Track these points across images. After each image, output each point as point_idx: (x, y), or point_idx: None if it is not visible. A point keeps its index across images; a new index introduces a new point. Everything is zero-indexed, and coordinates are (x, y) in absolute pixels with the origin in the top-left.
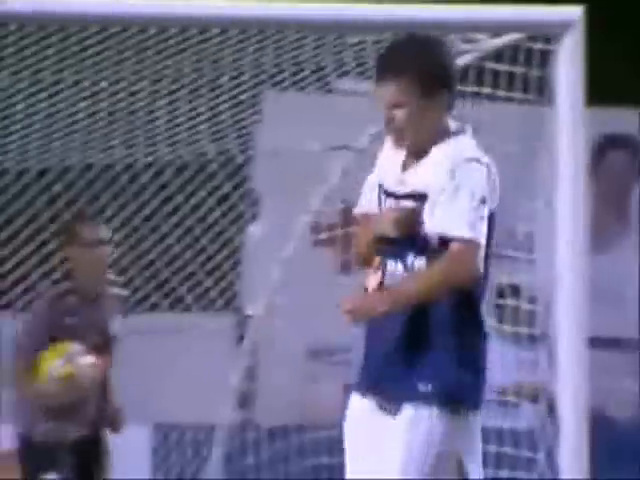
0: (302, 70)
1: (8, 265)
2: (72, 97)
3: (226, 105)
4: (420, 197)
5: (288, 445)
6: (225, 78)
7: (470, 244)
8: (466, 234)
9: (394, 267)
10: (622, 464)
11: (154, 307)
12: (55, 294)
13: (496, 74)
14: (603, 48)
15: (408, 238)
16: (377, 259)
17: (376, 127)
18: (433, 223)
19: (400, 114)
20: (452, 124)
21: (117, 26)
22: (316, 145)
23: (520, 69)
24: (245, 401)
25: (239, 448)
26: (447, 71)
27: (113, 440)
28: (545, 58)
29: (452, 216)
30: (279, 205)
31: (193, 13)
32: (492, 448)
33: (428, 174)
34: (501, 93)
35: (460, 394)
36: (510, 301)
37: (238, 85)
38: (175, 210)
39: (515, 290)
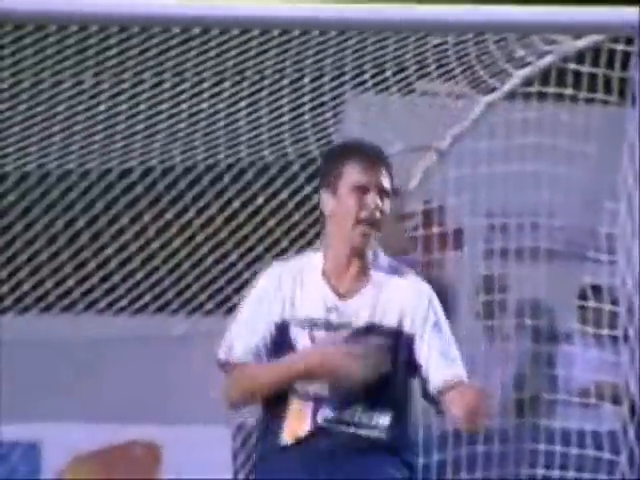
0: (384, 71)
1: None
2: (152, 98)
3: (307, 107)
4: (386, 332)
5: None
6: (306, 80)
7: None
8: (465, 377)
9: (328, 417)
10: None
11: (232, 309)
12: None
13: (578, 75)
14: None
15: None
16: (296, 404)
17: (458, 128)
18: (434, 367)
19: (387, 206)
20: None
21: (198, 27)
22: (397, 146)
23: (602, 70)
24: None
25: None
26: None
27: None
28: (627, 59)
29: (454, 356)
30: None
31: (274, 15)
32: (574, 450)
33: (399, 303)
34: (583, 94)
35: None
36: (592, 302)
37: (319, 87)
38: (256, 211)
39: (597, 291)
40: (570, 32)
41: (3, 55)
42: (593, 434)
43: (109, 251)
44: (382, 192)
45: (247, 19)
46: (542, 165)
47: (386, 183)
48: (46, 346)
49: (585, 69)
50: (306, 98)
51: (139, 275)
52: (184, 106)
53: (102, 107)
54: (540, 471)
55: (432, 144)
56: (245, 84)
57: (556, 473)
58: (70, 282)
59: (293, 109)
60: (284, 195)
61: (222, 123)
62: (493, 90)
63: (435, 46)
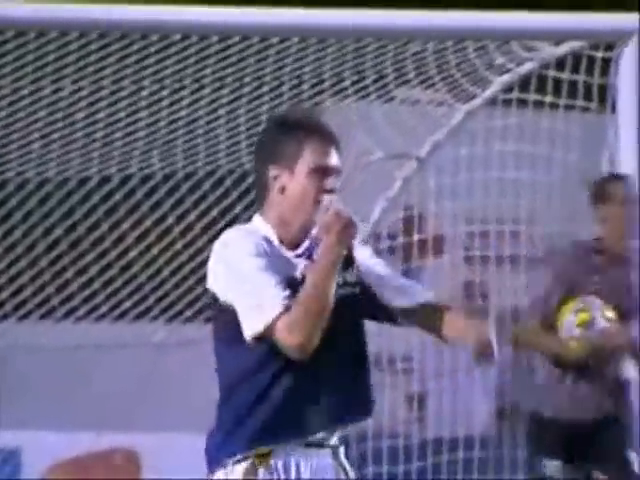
0: (363, 79)
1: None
2: (131, 106)
3: None
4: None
5: (349, 454)
6: (285, 87)
7: None
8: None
9: None
10: None
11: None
12: (582, 250)
13: (557, 82)
14: None
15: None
16: None
17: (438, 135)
18: (400, 289)
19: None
20: None
21: (178, 34)
22: (377, 154)
23: (581, 77)
24: None
25: None
26: None
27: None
28: (607, 66)
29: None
30: None
31: (253, 21)
32: None
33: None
34: (562, 101)
35: None
36: None
37: (299, 94)
38: (234, 219)
39: None
40: (550, 39)
41: None
42: None
43: (89, 258)
44: (337, 173)
45: (226, 26)
46: (522, 172)
47: (339, 163)
48: (25, 353)
49: (565, 76)
50: (285, 105)
51: (118, 282)
52: (163, 114)
53: (81, 115)
54: (521, 477)
55: (412, 151)
56: (224, 92)
57: None
58: (49, 289)
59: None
60: (239, 206)
61: (201, 131)
62: (473, 97)
63: (415, 53)
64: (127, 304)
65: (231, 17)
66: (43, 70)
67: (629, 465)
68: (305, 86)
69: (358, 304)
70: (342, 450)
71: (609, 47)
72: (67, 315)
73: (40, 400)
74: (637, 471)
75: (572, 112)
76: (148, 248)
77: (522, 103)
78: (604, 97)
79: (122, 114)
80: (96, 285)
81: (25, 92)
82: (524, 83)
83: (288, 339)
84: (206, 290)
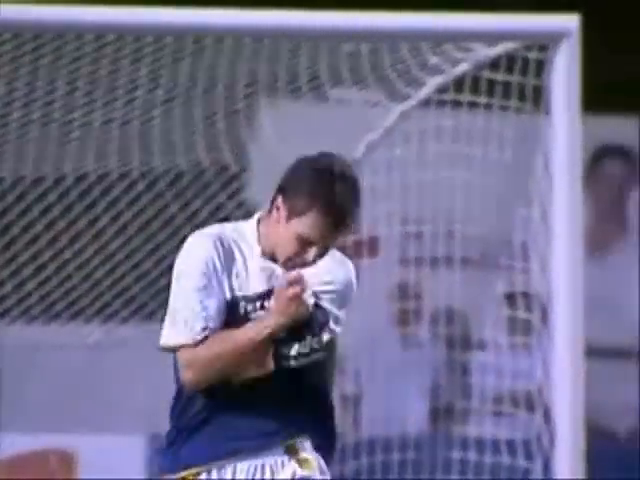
0: (297, 79)
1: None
2: (66, 106)
3: (221, 113)
4: None
5: None
6: (220, 86)
7: None
8: None
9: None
10: (619, 475)
11: (149, 316)
12: None
13: (492, 83)
14: (600, 56)
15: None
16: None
17: (372, 136)
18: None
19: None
20: None
21: (112, 34)
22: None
23: (516, 78)
24: None
25: None
26: None
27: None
28: (541, 67)
29: None
30: None
31: (188, 21)
32: (488, 458)
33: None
34: (497, 102)
35: None
36: (506, 310)
37: (233, 94)
38: (170, 219)
39: (511, 299)
40: (484, 40)
41: None
42: (507, 442)
43: (22, 259)
44: (324, 249)
45: (160, 26)
46: (456, 173)
47: (336, 239)
48: None
49: (499, 77)
50: (219, 105)
51: (53, 282)
52: (98, 113)
53: (16, 115)
54: (455, 478)
55: (346, 152)
56: (159, 91)
57: None
58: None
59: (206, 116)
60: (198, 203)
61: (135, 131)
62: (407, 98)
63: (349, 54)
64: (62, 305)
65: (166, 17)
66: None
67: None
68: (239, 86)
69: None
70: (304, 444)
71: (543, 48)
72: (1, 316)
73: None
74: None
75: (506, 113)
76: (82, 249)
77: (456, 104)
78: (538, 98)
79: (56, 114)
80: (30, 286)
81: None
82: (458, 84)
83: (184, 370)
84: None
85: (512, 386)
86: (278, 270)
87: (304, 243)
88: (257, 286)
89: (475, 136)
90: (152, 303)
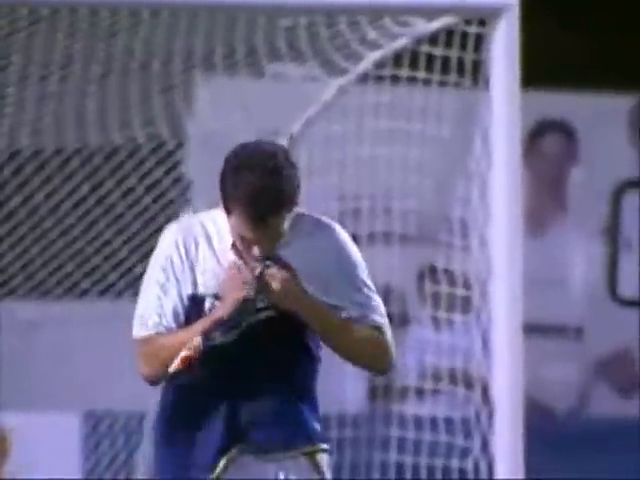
0: (234, 54)
1: None
2: (0, 81)
3: (157, 89)
4: None
5: None
6: (156, 62)
7: None
8: None
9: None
10: (558, 454)
11: (84, 294)
12: None
13: (431, 58)
14: (540, 30)
15: None
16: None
17: (310, 111)
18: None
19: (273, 240)
20: None
21: (46, 9)
22: (249, 130)
23: (455, 53)
24: None
25: None
26: None
27: (42, 429)
28: (480, 42)
29: None
30: (211, 191)
31: None
32: (426, 436)
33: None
34: (436, 77)
35: None
36: (444, 287)
37: (169, 69)
38: (105, 196)
39: (450, 276)
40: (423, 14)
41: None
42: (446, 420)
43: None
44: (272, 238)
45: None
46: (395, 149)
47: (274, 232)
48: None
49: (438, 52)
50: (155, 80)
51: None
52: (32, 89)
53: None
54: (393, 456)
55: (284, 128)
56: (94, 66)
57: (409, 459)
58: None
59: (142, 91)
60: (134, 179)
61: (70, 105)
62: (345, 73)
63: (286, 28)
64: None
65: None
66: None
67: None
68: (176, 61)
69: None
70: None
71: (482, 23)
72: None
73: None
74: None
75: (445, 88)
76: (16, 226)
77: (395, 79)
78: (477, 73)
79: (53, 88)
80: None
81: None
82: (397, 59)
83: (139, 364)
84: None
85: (450, 364)
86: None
87: (244, 240)
88: None
89: (414, 112)
90: (85, 280)
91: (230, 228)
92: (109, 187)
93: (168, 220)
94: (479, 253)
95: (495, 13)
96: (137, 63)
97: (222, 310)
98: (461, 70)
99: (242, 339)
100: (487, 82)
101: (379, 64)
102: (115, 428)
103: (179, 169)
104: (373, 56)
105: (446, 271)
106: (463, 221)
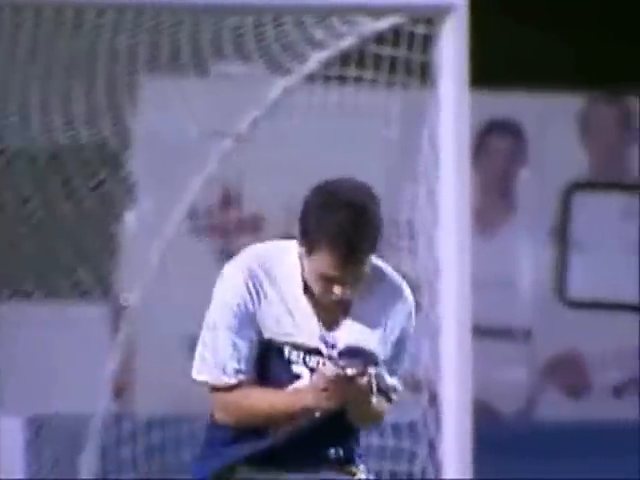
0: (179, 54)
1: None
2: None
3: (101, 89)
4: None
5: (165, 437)
6: (100, 61)
7: None
8: None
9: None
10: (505, 457)
11: (28, 296)
12: None
13: (378, 58)
14: (489, 30)
15: None
16: None
17: (256, 111)
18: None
19: (356, 283)
20: None
21: None
22: (194, 131)
23: (403, 53)
24: (121, 392)
25: (115, 439)
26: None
27: None
28: (428, 42)
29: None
30: (156, 192)
31: None
32: (374, 441)
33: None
34: (383, 78)
35: None
36: None
37: (113, 68)
38: (49, 196)
39: None
40: (370, 14)
41: None
42: (393, 425)
43: None
44: (355, 279)
45: None
46: (342, 149)
47: (362, 271)
48: None
49: (385, 52)
50: (100, 80)
51: None
52: None
53: None
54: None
55: (229, 128)
56: (37, 65)
57: None
58: None
59: (86, 91)
60: (78, 180)
61: (14, 106)
62: (291, 72)
63: (232, 28)
64: None
65: None
66: None
67: None
68: (120, 61)
69: None
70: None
71: (430, 22)
72: None
73: None
74: None
75: (393, 88)
76: None
77: (342, 79)
78: (425, 73)
79: None
80: None
81: None
82: (344, 59)
83: (217, 411)
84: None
85: None
86: (321, 328)
87: (326, 281)
88: (304, 338)
89: (361, 112)
90: (30, 281)
91: (308, 268)
92: (53, 188)
93: (113, 221)
94: (427, 255)
95: (442, 13)
96: (81, 63)
97: (312, 403)
98: (409, 70)
99: None
100: (435, 82)
101: (326, 64)
102: (59, 431)
103: (123, 170)
104: (319, 56)
105: None
106: (411, 223)
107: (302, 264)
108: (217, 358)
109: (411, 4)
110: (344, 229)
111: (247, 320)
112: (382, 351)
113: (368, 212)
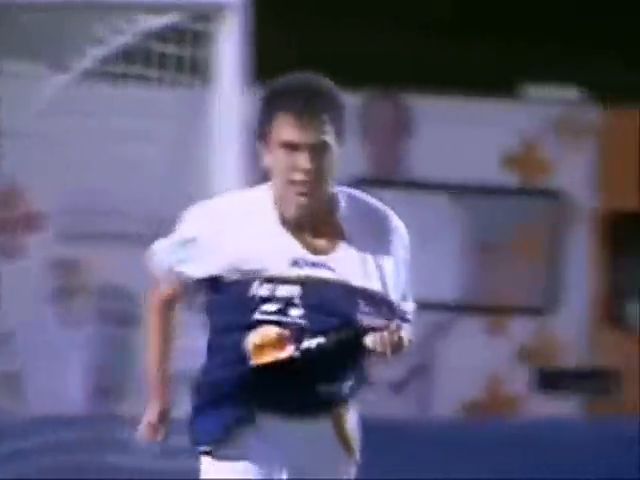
0: None
1: None
2: None
3: None
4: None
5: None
6: None
7: None
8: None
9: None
10: None
11: None
12: None
13: (159, 56)
14: (277, 30)
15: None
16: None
17: (33, 108)
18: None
19: (326, 162)
20: None
21: None
22: None
23: (184, 50)
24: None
25: None
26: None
27: None
28: (205, 39)
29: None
30: None
31: None
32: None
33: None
34: (163, 75)
35: None
36: None
37: None
38: None
39: None
40: (149, 11)
41: None
42: None
43: None
44: (318, 149)
45: None
46: (121, 147)
47: (323, 137)
48: None
49: (167, 49)
50: None
51: None
52: None
53: None
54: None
55: (9, 125)
56: None
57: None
58: None
59: None
60: None
61: None
62: (71, 69)
63: (16, 24)
64: None
65: None
66: None
67: None
68: None
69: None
70: (349, 415)
71: (206, 19)
72: None
73: None
74: None
75: (173, 86)
76: None
77: (122, 76)
78: (200, 70)
79: None
80: None
81: None
82: (125, 55)
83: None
84: None
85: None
86: (299, 252)
87: (290, 150)
88: (270, 266)
89: (141, 109)
90: None
91: (269, 156)
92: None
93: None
94: None
95: (219, 10)
96: None
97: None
98: (190, 68)
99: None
100: (210, 80)
101: (106, 60)
102: None
103: None
104: (98, 52)
105: None
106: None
107: (274, 196)
108: (162, 251)
109: (188, 2)
110: (295, 88)
111: (204, 252)
112: (388, 277)
113: (320, 79)
